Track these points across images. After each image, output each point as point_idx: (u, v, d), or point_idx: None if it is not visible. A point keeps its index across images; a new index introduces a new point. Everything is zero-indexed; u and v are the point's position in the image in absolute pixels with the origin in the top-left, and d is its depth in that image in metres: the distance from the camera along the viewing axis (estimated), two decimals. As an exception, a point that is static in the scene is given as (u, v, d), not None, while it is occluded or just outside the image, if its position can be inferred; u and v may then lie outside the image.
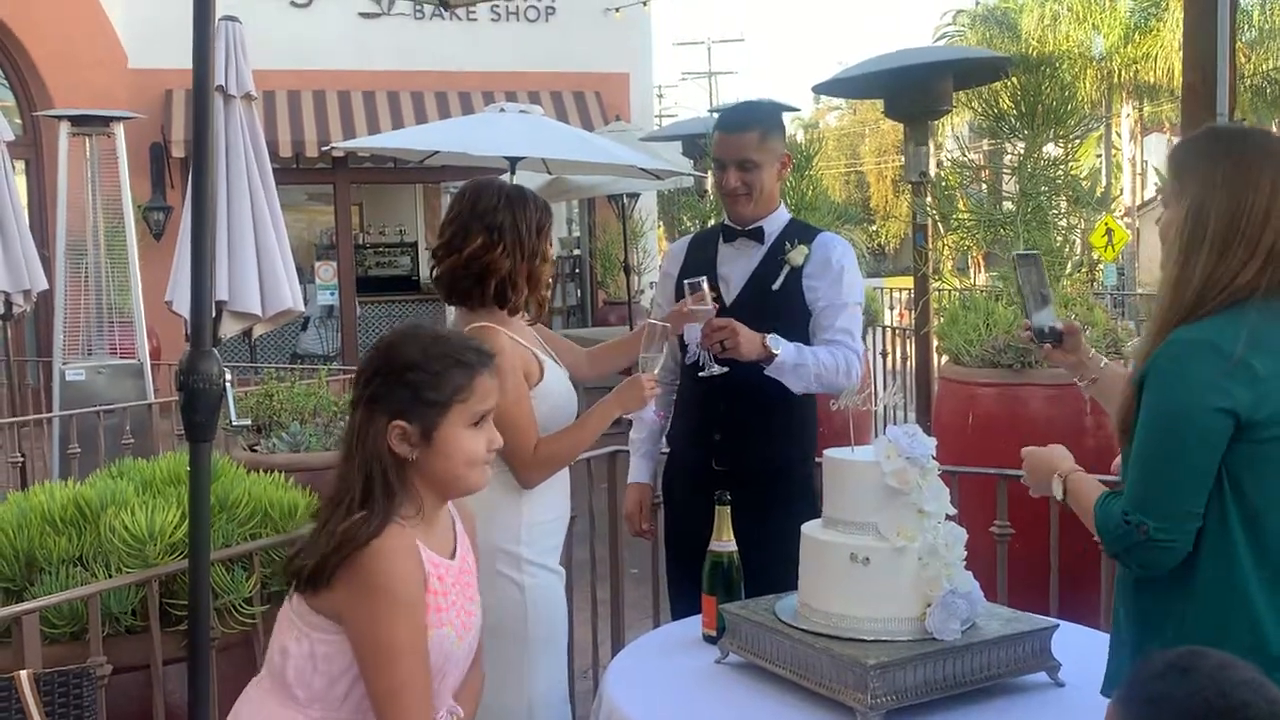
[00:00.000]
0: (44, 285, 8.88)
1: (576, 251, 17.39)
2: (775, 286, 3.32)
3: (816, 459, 3.36)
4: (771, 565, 2.83)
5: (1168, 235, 2.14)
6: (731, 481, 2.91)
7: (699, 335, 3.18)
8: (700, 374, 3.23)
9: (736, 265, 3.39)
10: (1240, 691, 1.38)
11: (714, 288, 3.31)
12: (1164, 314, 2.08)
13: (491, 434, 2.28)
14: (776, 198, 3.45)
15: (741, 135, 3.32)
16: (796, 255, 3.34)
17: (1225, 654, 1.46)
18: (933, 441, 2.42)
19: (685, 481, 3.44)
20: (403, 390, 2.16)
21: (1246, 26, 23.73)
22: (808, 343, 3.28)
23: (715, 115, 3.61)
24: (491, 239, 2.90)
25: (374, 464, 2.15)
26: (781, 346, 3.17)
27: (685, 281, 3.20)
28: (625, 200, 14.11)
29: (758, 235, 3.39)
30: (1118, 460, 2.30)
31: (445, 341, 2.25)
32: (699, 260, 3.45)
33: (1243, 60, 22.49)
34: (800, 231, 3.42)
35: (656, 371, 3.03)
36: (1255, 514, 1.99)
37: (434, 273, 3.01)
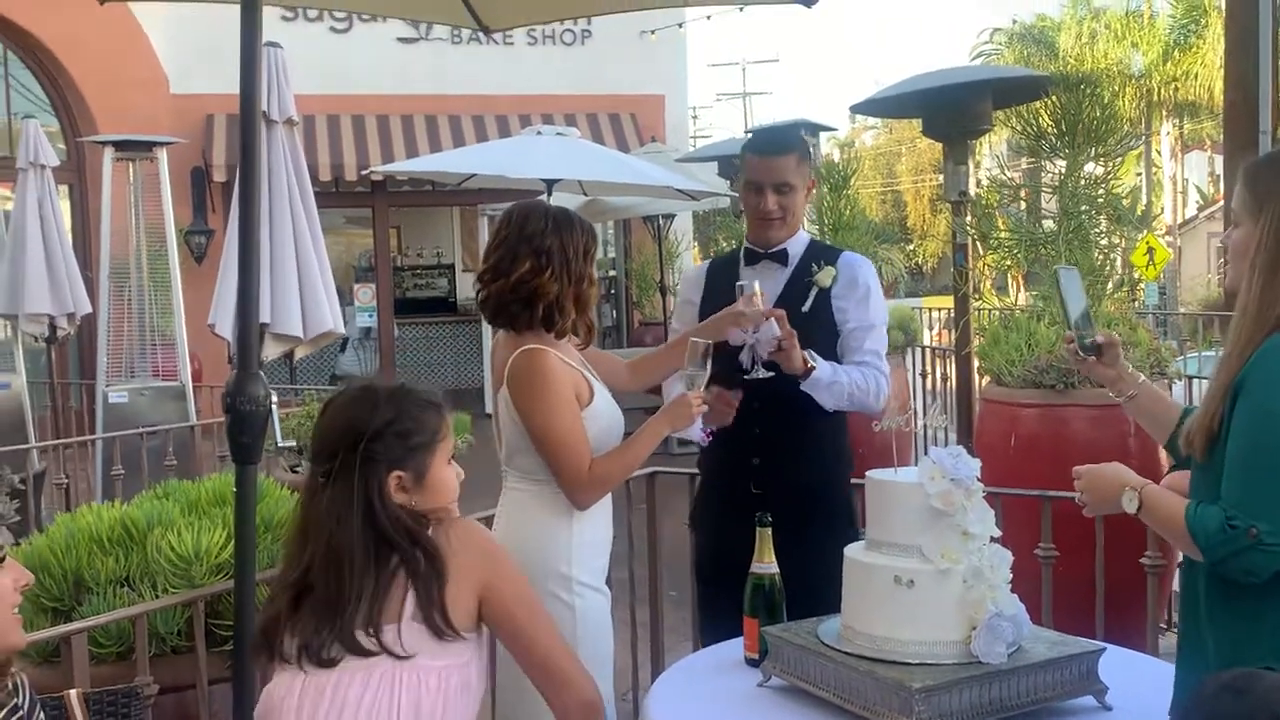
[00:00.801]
0: (88, 308, 9.00)
1: (612, 272, 17.43)
2: (805, 309, 3.31)
3: (852, 479, 3.41)
4: (810, 587, 2.82)
5: (1243, 252, 2.12)
6: (769, 504, 2.90)
7: (747, 338, 3.17)
8: (745, 376, 3.20)
9: (763, 289, 3.38)
10: None
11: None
12: (1249, 331, 2.06)
13: (458, 467, 2.44)
14: (802, 221, 3.48)
15: (781, 159, 3.32)
16: (824, 277, 3.34)
17: None
18: (977, 463, 2.40)
19: (720, 507, 3.43)
20: (395, 441, 2.26)
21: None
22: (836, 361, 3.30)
23: (749, 136, 3.58)
24: (540, 263, 2.90)
25: (393, 519, 2.24)
26: (819, 362, 3.20)
27: (736, 284, 3.19)
28: (661, 221, 14.14)
29: (781, 258, 3.38)
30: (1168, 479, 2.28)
31: (406, 390, 2.38)
32: (722, 285, 3.43)
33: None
34: (823, 252, 3.44)
35: (702, 389, 3.02)
36: None
37: (479, 296, 3.02)
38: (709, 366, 3.02)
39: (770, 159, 3.34)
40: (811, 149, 10.23)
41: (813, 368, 3.17)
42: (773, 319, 3.14)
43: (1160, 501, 2.15)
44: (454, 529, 2.32)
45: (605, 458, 2.95)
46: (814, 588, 2.82)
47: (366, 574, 2.20)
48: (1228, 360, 2.10)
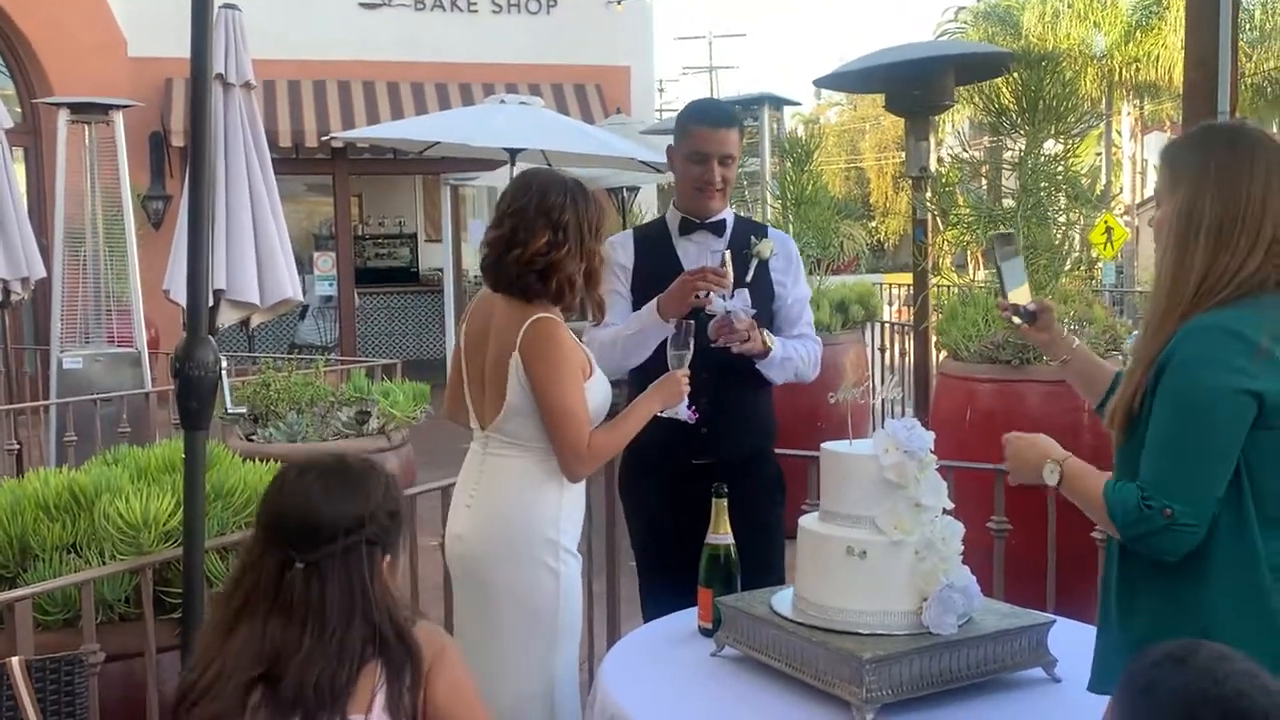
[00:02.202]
0: (42, 273, 8.85)
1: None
2: (747, 280, 3.34)
3: (777, 450, 3.56)
4: (749, 555, 2.86)
5: (1161, 232, 2.14)
6: (709, 475, 2.92)
7: (727, 304, 3.19)
8: (712, 345, 3.21)
9: (700, 260, 3.37)
10: (1235, 681, 1.38)
11: None
12: (1162, 308, 2.08)
13: None
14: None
15: (729, 131, 3.39)
16: (765, 248, 3.40)
17: (1222, 645, 1.46)
18: (931, 435, 2.41)
19: (656, 479, 3.44)
20: (389, 523, 2.10)
21: (1248, 26, 23.71)
22: (771, 330, 3.38)
23: (688, 107, 3.59)
24: (557, 238, 2.89)
25: (386, 611, 2.06)
26: (776, 345, 3.30)
27: (710, 252, 3.25)
28: (625, 193, 14.09)
29: (719, 228, 3.43)
30: None
31: (370, 462, 2.18)
32: (655, 253, 3.44)
33: (1244, 59, 22.47)
34: (751, 227, 3.55)
35: (686, 366, 3.07)
36: (1272, 502, 1.99)
37: (485, 260, 2.98)
38: (693, 344, 3.06)
39: (719, 130, 3.37)
40: (777, 123, 10.23)
41: (770, 347, 3.27)
42: (744, 289, 3.17)
43: (1081, 476, 2.16)
44: (421, 629, 2.14)
45: (601, 432, 2.96)
46: (753, 555, 2.89)
47: (349, 666, 2.02)
48: (1145, 338, 2.12)
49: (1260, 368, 1.96)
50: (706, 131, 3.37)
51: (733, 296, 3.20)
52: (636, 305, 3.37)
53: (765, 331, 3.28)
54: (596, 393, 2.97)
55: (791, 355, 3.37)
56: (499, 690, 2.82)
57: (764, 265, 3.41)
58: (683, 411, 3.09)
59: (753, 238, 3.42)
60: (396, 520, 2.09)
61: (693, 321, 3.10)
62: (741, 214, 3.73)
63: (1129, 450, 2.10)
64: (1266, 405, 1.96)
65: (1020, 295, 2.59)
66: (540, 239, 2.88)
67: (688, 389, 3.06)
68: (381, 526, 2.05)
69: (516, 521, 2.90)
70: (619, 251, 3.54)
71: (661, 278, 3.28)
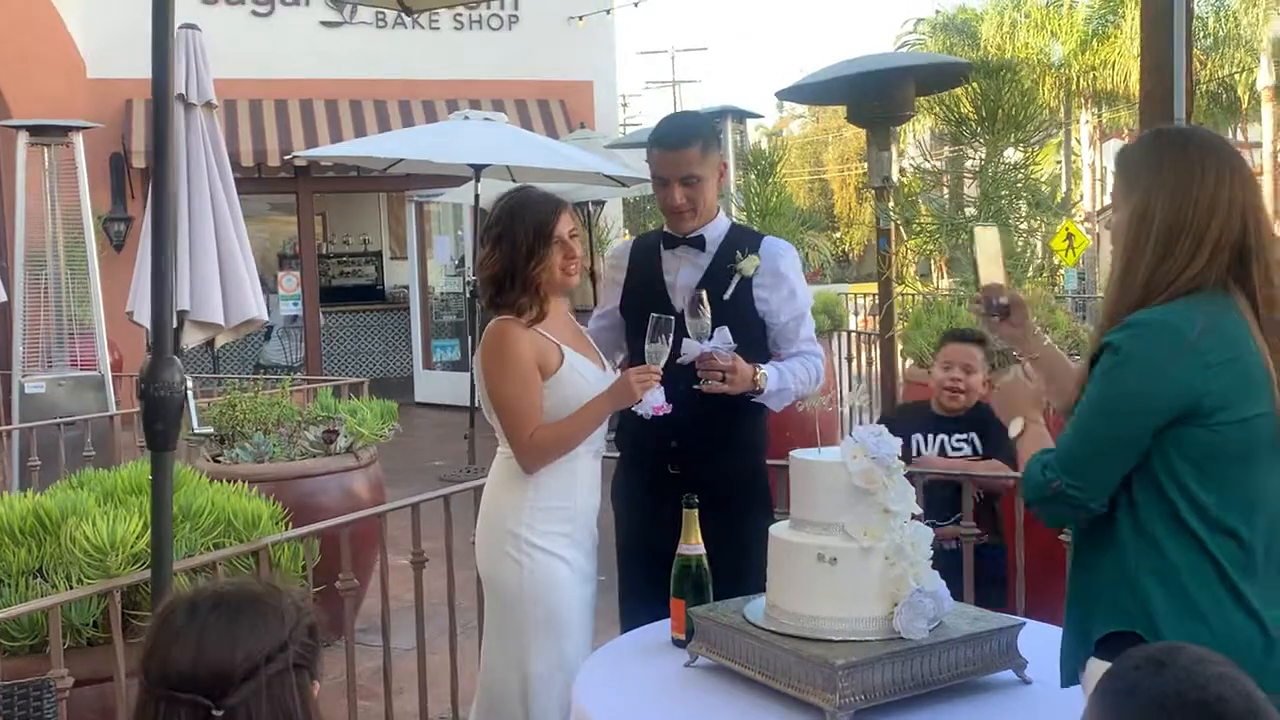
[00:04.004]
0: (2, 298, 8.77)
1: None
2: (726, 296, 3.30)
3: (768, 463, 3.50)
4: (729, 570, 2.85)
5: (1117, 235, 2.18)
6: (687, 486, 2.91)
7: (704, 346, 3.17)
8: (696, 386, 3.19)
9: (682, 274, 3.38)
10: (1215, 685, 1.39)
11: (662, 295, 3.35)
12: (1111, 308, 2.13)
13: None
14: (716, 205, 3.45)
15: (684, 151, 3.29)
16: (748, 265, 3.34)
17: (1204, 649, 1.48)
18: (898, 441, 2.43)
19: (636, 489, 3.44)
20: (310, 641, 1.76)
21: (1202, 34, 24.02)
22: (757, 348, 3.33)
23: (656, 126, 3.56)
24: (495, 251, 3.10)
25: None
26: (769, 379, 3.25)
27: (690, 296, 3.20)
28: (591, 208, 14.09)
29: (699, 243, 3.38)
30: None
31: (268, 582, 1.86)
32: (645, 265, 3.45)
33: (1199, 67, 22.76)
34: (745, 237, 3.44)
35: (662, 364, 3.07)
36: (1198, 500, 2.02)
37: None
38: (669, 342, 3.07)
39: (673, 152, 3.30)
40: (740, 135, 10.27)
41: (760, 385, 3.23)
42: (724, 326, 3.16)
43: (1033, 439, 2.29)
44: None
45: (547, 426, 3.06)
46: (732, 570, 2.87)
47: None
48: (1095, 337, 2.18)
49: (1189, 364, 2.00)
50: (661, 155, 3.32)
51: (712, 336, 3.15)
52: (629, 313, 3.37)
53: (758, 366, 3.22)
54: (562, 386, 3.07)
55: (788, 384, 3.30)
56: (485, 679, 3.06)
57: (746, 281, 3.33)
58: (645, 408, 3.07)
59: (739, 252, 3.34)
60: (316, 636, 1.77)
61: (671, 318, 3.07)
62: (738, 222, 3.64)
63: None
64: (1191, 404, 2.00)
65: (995, 276, 2.65)
66: (484, 249, 3.13)
67: (650, 387, 3.04)
68: (304, 646, 1.73)
69: (489, 513, 3.15)
70: (615, 266, 3.58)
71: (645, 291, 3.31)
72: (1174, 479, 2.03)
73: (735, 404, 3.25)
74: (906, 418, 4.39)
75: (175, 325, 6.88)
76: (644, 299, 3.32)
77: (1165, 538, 2.03)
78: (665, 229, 3.45)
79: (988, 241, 2.69)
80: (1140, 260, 2.10)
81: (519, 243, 3.06)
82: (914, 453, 4.03)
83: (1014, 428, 2.33)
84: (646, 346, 3.07)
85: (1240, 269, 2.07)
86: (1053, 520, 2.19)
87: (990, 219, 5.72)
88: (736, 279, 3.32)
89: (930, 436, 4.12)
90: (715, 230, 3.40)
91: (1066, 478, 2.07)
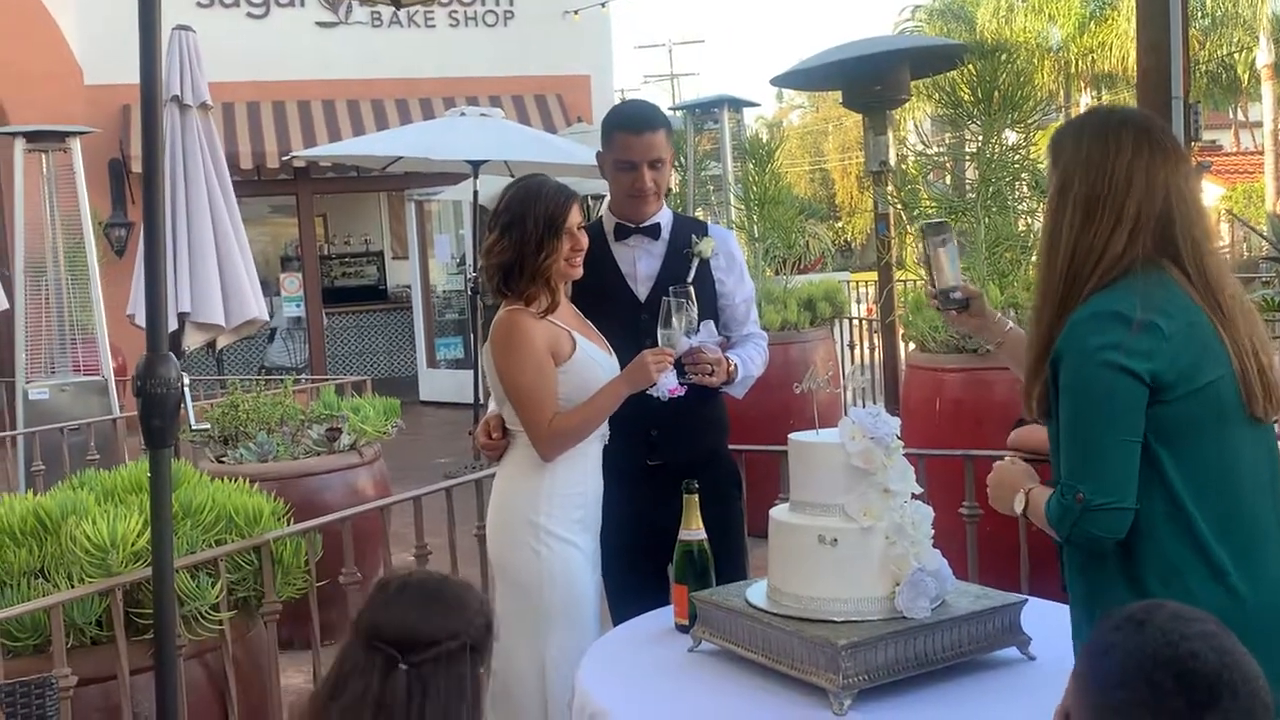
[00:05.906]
0: (4, 305, 8.77)
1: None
2: (689, 280, 3.30)
3: (731, 445, 3.55)
4: (721, 549, 2.87)
5: (1046, 211, 2.20)
6: (665, 475, 2.92)
7: (692, 341, 3.15)
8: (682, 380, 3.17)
9: (640, 263, 3.36)
10: (1190, 642, 1.38)
11: (623, 288, 3.34)
12: (1040, 291, 2.14)
13: None
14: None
15: (654, 135, 3.30)
16: (705, 247, 3.36)
17: (1184, 605, 1.47)
18: (896, 421, 2.42)
19: (614, 480, 3.42)
20: (488, 635, 2.08)
21: (1199, 14, 23.97)
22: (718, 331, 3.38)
23: (612, 112, 3.56)
24: (500, 239, 3.06)
25: None
26: (739, 368, 3.28)
27: (670, 289, 3.15)
28: (590, 201, 14.09)
29: (653, 231, 3.38)
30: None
31: (468, 583, 2.18)
32: (595, 259, 3.30)
33: (1197, 47, 22.73)
34: (691, 225, 3.49)
35: (677, 346, 3.06)
36: (1175, 475, 2.01)
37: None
38: (685, 322, 3.06)
39: (643, 135, 3.29)
40: (737, 124, 10.25)
41: (731, 380, 3.26)
42: (709, 320, 3.17)
43: (1038, 497, 2.17)
44: None
45: (566, 413, 3.05)
46: (725, 550, 2.92)
47: None
48: (1031, 325, 2.18)
49: (1143, 343, 1.99)
50: (630, 138, 3.31)
51: (698, 330, 3.15)
52: (584, 308, 3.28)
53: (729, 355, 3.26)
54: (575, 373, 3.06)
55: (751, 372, 3.35)
56: (501, 666, 2.99)
57: (705, 264, 3.36)
58: (661, 390, 3.05)
59: (694, 236, 3.38)
60: (491, 632, 2.09)
61: (682, 300, 3.07)
62: (679, 212, 3.67)
63: (1053, 429, 2.14)
64: (1155, 380, 1.99)
65: (951, 280, 2.55)
66: (490, 237, 3.08)
67: (665, 367, 3.03)
68: (481, 635, 2.04)
69: (504, 504, 3.11)
70: None
71: (599, 284, 3.26)
72: (1160, 475, 2.01)
73: (703, 390, 3.25)
74: None
75: (176, 327, 6.91)
76: (600, 293, 3.26)
77: (1167, 539, 2.01)
78: (616, 219, 3.41)
79: (946, 250, 2.63)
80: (1063, 230, 2.10)
81: (529, 233, 3.03)
82: None
83: (1017, 504, 2.22)
84: (659, 330, 3.07)
85: (1169, 245, 2.07)
86: (1095, 539, 2.02)
87: (989, 201, 5.70)
88: (696, 262, 3.35)
89: None
90: (666, 217, 3.42)
91: (1084, 486, 2.00)
